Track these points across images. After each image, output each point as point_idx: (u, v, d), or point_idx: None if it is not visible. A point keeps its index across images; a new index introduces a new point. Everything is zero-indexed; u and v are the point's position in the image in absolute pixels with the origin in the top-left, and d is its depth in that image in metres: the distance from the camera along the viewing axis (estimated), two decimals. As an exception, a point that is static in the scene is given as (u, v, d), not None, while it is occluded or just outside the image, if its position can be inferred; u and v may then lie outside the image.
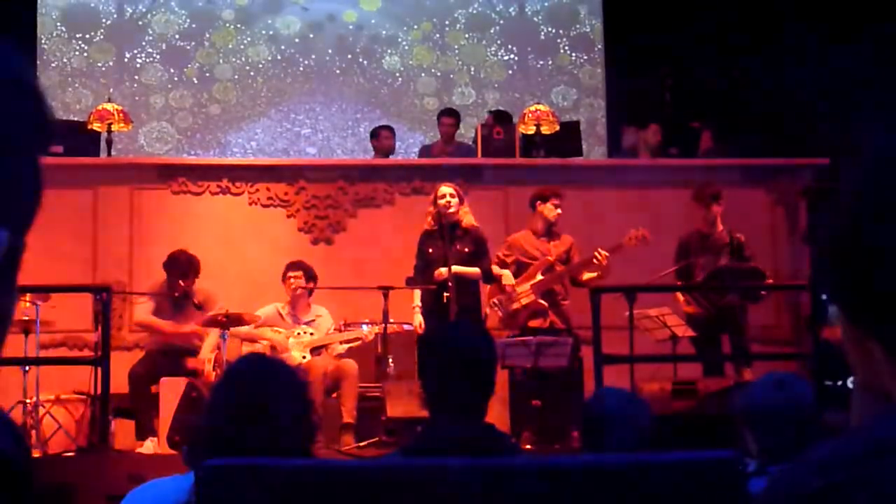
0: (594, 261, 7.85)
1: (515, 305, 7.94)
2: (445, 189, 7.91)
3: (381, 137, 10.42)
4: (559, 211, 8.08)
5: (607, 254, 7.84)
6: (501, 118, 10.32)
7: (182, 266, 7.93)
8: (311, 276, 8.14)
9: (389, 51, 12.28)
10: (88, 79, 11.87)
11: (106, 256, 8.75)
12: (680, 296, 8.19)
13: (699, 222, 8.22)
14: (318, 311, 8.16)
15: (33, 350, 7.60)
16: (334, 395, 7.71)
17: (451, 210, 7.81)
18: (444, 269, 7.64)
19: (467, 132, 11.57)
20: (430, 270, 7.79)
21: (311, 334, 7.99)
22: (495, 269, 7.99)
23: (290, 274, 8.11)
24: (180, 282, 7.92)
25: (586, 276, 7.95)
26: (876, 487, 0.85)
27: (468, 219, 7.91)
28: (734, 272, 8.01)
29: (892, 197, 0.90)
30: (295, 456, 2.45)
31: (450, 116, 10.35)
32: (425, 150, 10.53)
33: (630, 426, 3.48)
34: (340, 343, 8.04)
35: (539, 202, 8.12)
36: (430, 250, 7.83)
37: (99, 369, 7.19)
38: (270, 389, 2.54)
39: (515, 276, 8.04)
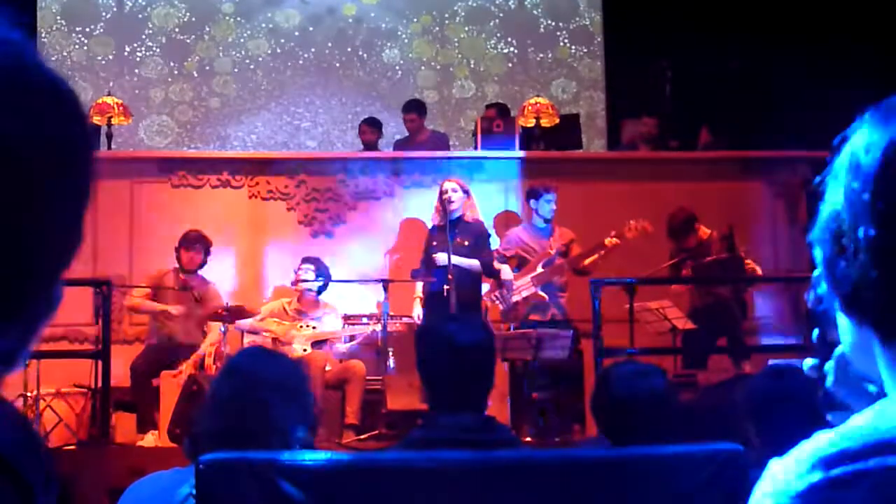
0: (606, 244, 7.85)
1: (515, 298, 7.95)
2: (448, 185, 7.97)
3: (361, 132, 10.41)
4: (553, 206, 8.08)
5: (617, 241, 7.85)
6: (500, 111, 10.30)
7: (191, 238, 8.00)
8: (321, 273, 8.11)
9: (389, 44, 12.26)
10: (88, 72, 11.85)
11: (106, 250, 8.74)
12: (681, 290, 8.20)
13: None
14: (327, 308, 8.14)
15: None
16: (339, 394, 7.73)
17: (454, 205, 7.84)
18: (441, 255, 7.66)
19: (467, 125, 11.57)
20: (432, 263, 7.82)
21: (314, 328, 8.00)
22: (495, 263, 8.00)
23: (301, 267, 8.11)
24: (192, 255, 7.95)
25: (587, 261, 7.96)
26: (873, 481, 0.85)
27: (472, 213, 7.94)
28: (721, 264, 8.01)
29: (878, 187, 0.90)
30: (294, 449, 2.45)
31: (409, 113, 10.28)
32: (399, 145, 10.49)
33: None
34: (342, 340, 8.05)
35: (533, 199, 8.14)
36: (434, 243, 7.86)
37: (99, 362, 7.20)
38: (268, 383, 2.53)
39: (516, 269, 8.05)
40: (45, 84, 0.90)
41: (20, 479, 0.80)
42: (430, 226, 8.25)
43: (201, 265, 8.09)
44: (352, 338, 8.07)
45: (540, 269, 7.96)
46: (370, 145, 10.29)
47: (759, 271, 8.14)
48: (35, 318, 0.89)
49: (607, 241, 7.87)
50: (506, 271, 7.99)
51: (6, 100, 0.85)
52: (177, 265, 8.12)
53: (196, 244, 8.04)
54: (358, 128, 10.59)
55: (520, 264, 8.05)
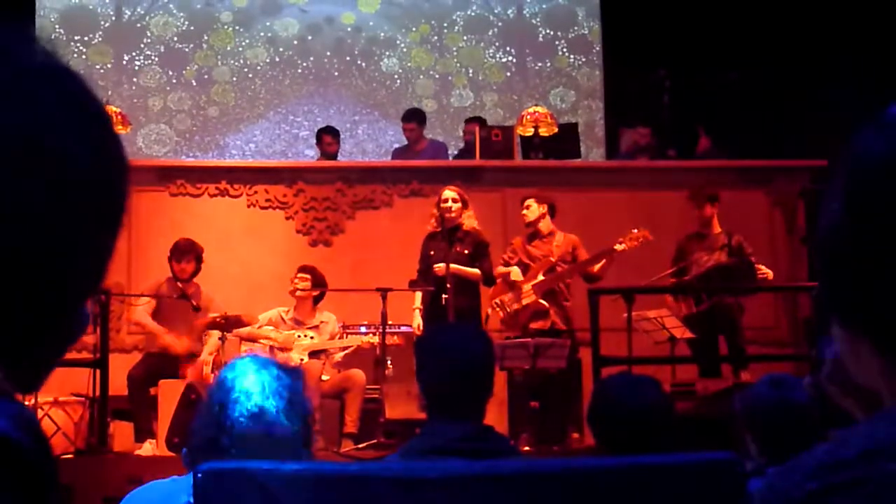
0: (616, 249, 7.85)
1: (516, 306, 7.94)
2: (449, 193, 7.95)
3: (324, 143, 10.31)
4: (525, 213, 8.06)
5: (625, 246, 7.86)
6: (481, 125, 10.29)
7: (182, 247, 7.99)
8: (318, 282, 8.12)
9: (388, 53, 12.28)
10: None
11: (104, 258, 8.72)
12: (670, 298, 8.17)
13: (695, 224, 8.24)
14: (324, 316, 8.13)
15: (31, 352, 7.58)
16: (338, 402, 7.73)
17: (452, 214, 7.84)
18: (442, 265, 7.66)
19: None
20: (431, 272, 7.80)
21: (311, 338, 7.99)
22: (501, 268, 7.99)
23: (297, 276, 8.11)
24: (183, 265, 7.94)
25: (597, 267, 7.95)
26: (870, 489, 0.85)
27: (470, 222, 7.94)
28: (727, 270, 8.00)
29: (878, 197, 0.90)
30: (291, 458, 2.45)
31: (409, 121, 10.28)
32: (398, 153, 10.50)
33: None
34: (340, 350, 8.04)
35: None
36: (432, 252, 7.86)
37: (97, 371, 7.20)
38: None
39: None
40: (99, 110, 0.90)
41: (33, 477, 0.80)
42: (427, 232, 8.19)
43: (195, 272, 8.07)
44: (346, 348, 8.07)
45: (541, 277, 7.95)
46: (332, 156, 10.25)
47: (770, 275, 8.11)
48: (61, 342, 0.89)
49: (617, 246, 7.87)
50: (515, 272, 7.97)
51: (68, 123, 0.85)
52: (170, 275, 8.11)
53: (187, 253, 8.02)
54: (318, 138, 10.48)
55: (522, 272, 8.04)
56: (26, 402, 7.25)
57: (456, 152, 11.11)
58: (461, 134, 11.80)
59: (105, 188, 0.88)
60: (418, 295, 7.91)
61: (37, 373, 0.88)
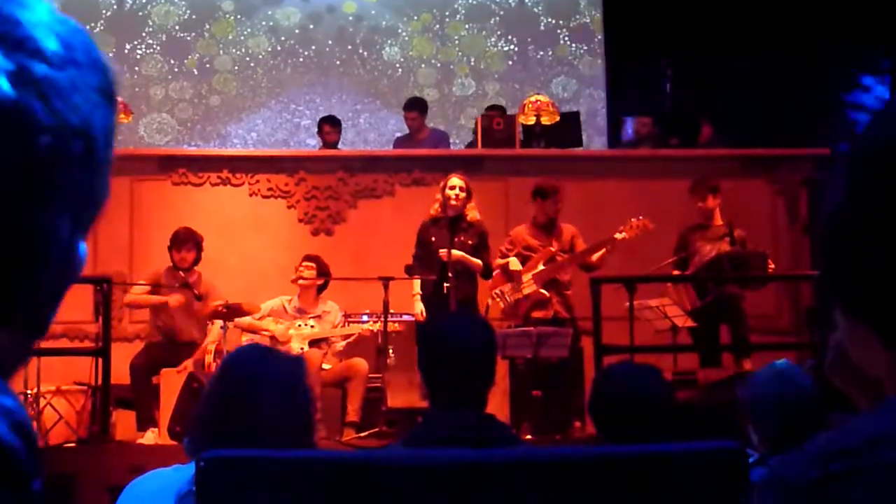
0: (617, 238, 7.85)
1: (517, 295, 7.93)
2: (456, 181, 7.92)
3: (324, 133, 10.30)
4: (558, 206, 8.08)
5: (626, 235, 7.86)
6: (501, 113, 10.29)
7: (181, 237, 7.99)
8: (323, 271, 8.12)
9: (389, 42, 12.26)
10: (88, 70, 11.83)
11: (106, 248, 8.74)
12: (672, 288, 8.17)
13: (697, 215, 8.24)
14: (327, 306, 8.14)
15: (34, 341, 7.58)
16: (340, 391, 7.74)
17: (457, 202, 7.82)
18: (448, 251, 7.63)
19: (468, 123, 11.57)
20: (431, 259, 7.79)
21: (312, 327, 8.00)
22: (498, 260, 7.99)
23: (302, 264, 8.11)
24: (183, 254, 7.94)
25: (595, 256, 7.95)
26: (872, 478, 0.85)
27: (473, 213, 7.92)
28: (733, 259, 8.00)
29: (880, 185, 0.90)
30: (293, 447, 2.45)
31: (411, 111, 10.27)
32: (400, 142, 10.49)
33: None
34: (342, 339, 8.04)
35: (540, 199, 8.11)
36: (433, 239, 7.83)
37: (100, 360, 7.20)
38: (261, 381, 2.53)
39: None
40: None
41: (21, 479, 0.79)
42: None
43: (195, 262, 8.08)
44: (347, 337, 8.07)
45: (541, 267, 7.95)
46: (332, 145, 10.24)
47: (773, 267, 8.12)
48: (58, 285, 0.88)
49: (618, 235, 7.87)
50: (513, 262, 7.96)
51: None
52: (170, 265, 8.12)
53: (186, 242, 8.02)
54: (318, 127, 10.49)
55: (522, 262, 8.04)
56: (28, 391, 7.28)
57: (458, 141, 11.11)
58: (463, 122, 11.80)
59: (74, 129, 0.87)
60: (417, 282, 7.89)
61: (39, 319, 0.87)
